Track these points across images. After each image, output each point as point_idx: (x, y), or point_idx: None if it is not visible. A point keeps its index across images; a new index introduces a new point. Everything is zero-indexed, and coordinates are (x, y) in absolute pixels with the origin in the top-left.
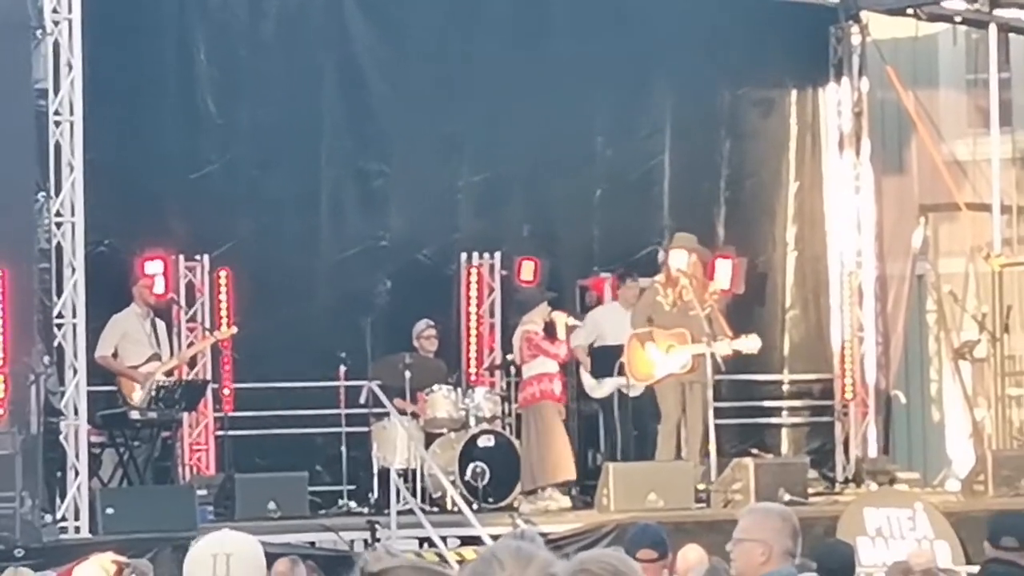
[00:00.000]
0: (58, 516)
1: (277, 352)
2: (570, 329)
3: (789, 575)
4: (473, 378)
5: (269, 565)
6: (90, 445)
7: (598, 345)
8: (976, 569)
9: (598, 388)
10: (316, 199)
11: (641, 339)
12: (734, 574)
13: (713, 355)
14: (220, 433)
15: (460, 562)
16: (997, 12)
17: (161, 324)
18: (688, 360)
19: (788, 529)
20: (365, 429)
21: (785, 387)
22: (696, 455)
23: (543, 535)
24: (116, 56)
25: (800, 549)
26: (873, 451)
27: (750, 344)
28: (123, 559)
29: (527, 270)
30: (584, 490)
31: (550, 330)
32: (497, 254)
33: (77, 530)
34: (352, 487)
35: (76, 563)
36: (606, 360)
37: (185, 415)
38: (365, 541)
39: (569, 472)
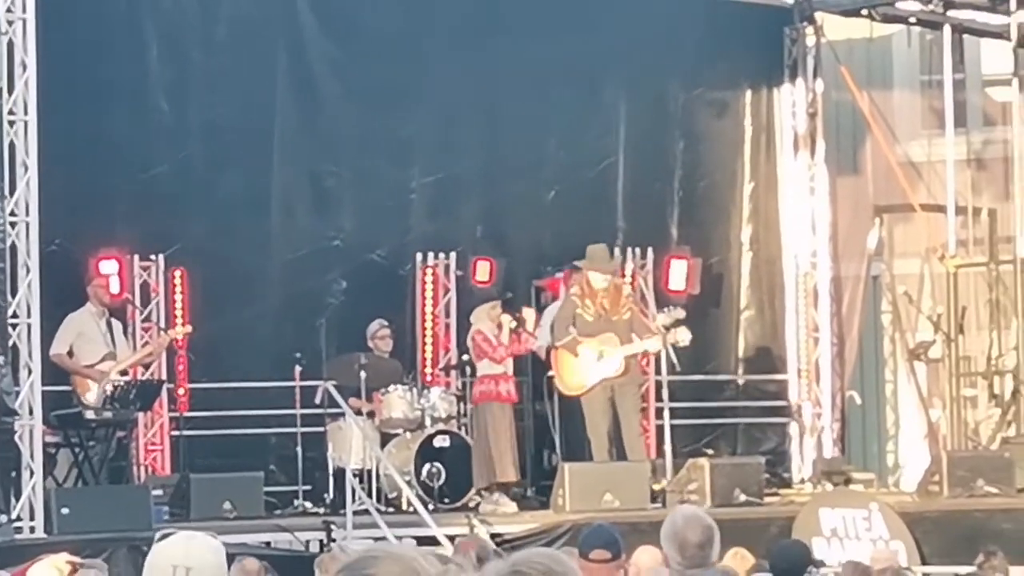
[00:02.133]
0: (13, 516)
1: (232, 352)
2: (515, 333)
3: None
4: (429, 378)
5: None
6: (45, 445)
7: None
8: (933, 570)
9: None
10: (268, 199)
11: (570, 348)
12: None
13: (668, 354)
14: (175, 433)
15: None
16: (951, 13)
17: (117, 324)
18: (621, 363)
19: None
20: (320, 429)
21: (740, 387)
22: (640, 455)
23: (498, 536)
24: (70, 56)
25: (715, 554)
26: (828, 451)
27: (680, 336)
28: (77, 560)
29: (482, 270)
30: (540, 490)
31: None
32: (452, 254)
33: (32, 530)
34: (308, 487)
35: (30, 564)
36: None
37: (140, 415)
38: (321, 541)
39: (509, 474)
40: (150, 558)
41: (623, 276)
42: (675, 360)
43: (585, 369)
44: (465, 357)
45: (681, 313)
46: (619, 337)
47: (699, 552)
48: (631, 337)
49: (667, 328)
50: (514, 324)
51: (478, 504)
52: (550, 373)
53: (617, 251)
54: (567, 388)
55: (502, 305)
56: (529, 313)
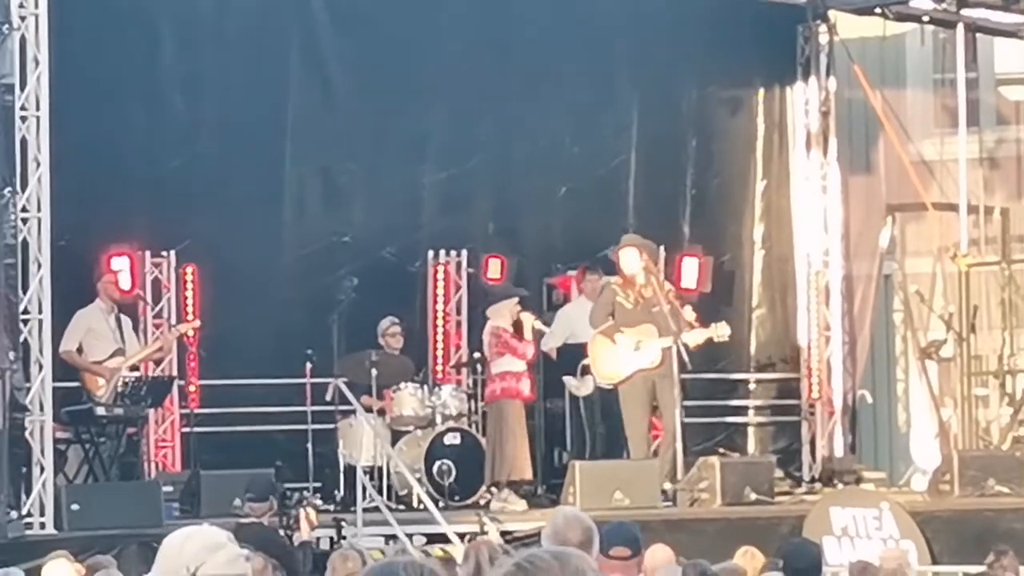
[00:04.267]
0: (23, 512)
1: (243, 348)
2: (537, 332)
3: None
4: (440, 376)
5: None
6: (55, 441)
7: (570, 342)
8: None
9: (582, 387)
10: (280, 196)
11: (608, 335)
12: None
13: (679, 352)
14: (186, 429)
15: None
16: (965, 12)
17: (126, 320)
18: (658, 355)
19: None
20: (331, 426)
21: (751, 386)
22: (668, 450)
23: (508, 533)
24: (82, 52)
25: (594, 553)
26: (839, 450)
27: (720, 331)
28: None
29: (494, 268)
30: (550, 488)
31: (517, 329)
32: (464, 251)
33: (42, 526)
34: (318, 484)
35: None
36: (573, 360)
37: (151, 411)
38: (331, 539)
39: (525, 472)
40: (165, 551)
41: (654, 258)
42: (686, 359)
43: (621, 358)
44: (476, 354)
45: (726, 330)
46: (659, 328)
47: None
48: (670, 329)
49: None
50: (538, 324)
51: (488, 502)
52: (585, 361)
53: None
54: (602, 377)
55: (520, 302)
56: (527, 317)
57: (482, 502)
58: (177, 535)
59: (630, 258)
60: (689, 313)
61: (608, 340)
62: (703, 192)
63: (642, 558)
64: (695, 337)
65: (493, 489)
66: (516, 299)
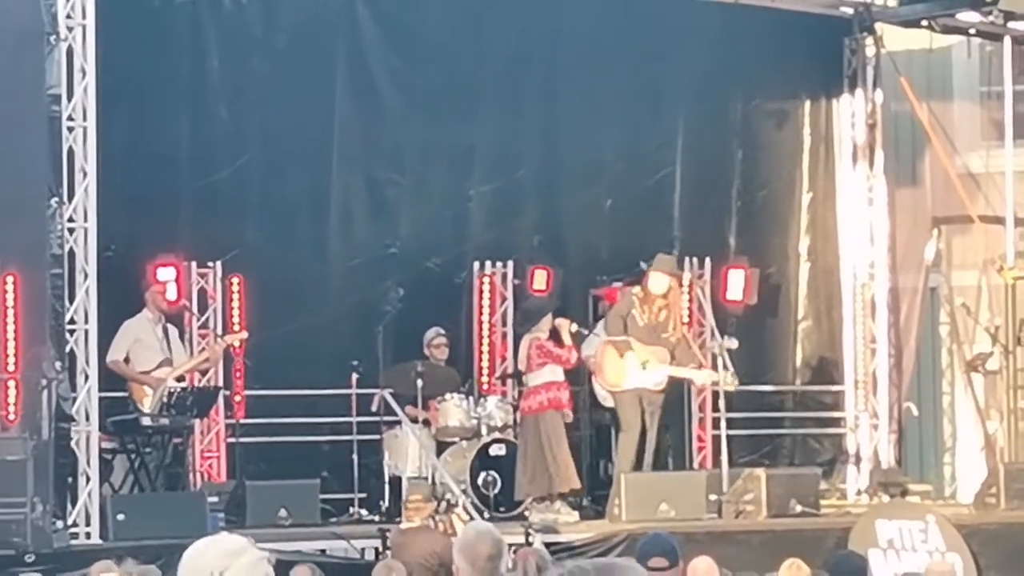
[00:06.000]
0: (69, 522)
1: (289, 359)
2: (575, 335)
3: None
4: (485, 387)
5: (284, 573)
6: (101, 451)
7: None
8: None
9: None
10: (326, 206)
11: (619, 348)
12: None
13: (715, 358)
14: (231, 440)
15: None
16: (1012, 24)
17: (173, 330)
18: (664, 380)
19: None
20: (377, 437)
21: (797, 398)
22: (650, 467)
23: (554, 544)
24: (129, 62)
25: (503, 566)
26: (885, 463)
27: (728, 380)
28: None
29: (539, 279)
30: (595, 500)
31: (555, 336)
32: (509, 263)
33: (88, 536)
34: (363, 495)
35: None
36: None
37: (197, 422)
38: (376, 549)
39: (576, 482)
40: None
41: (681, 287)
42: (732, 371)
43: (627, 372)
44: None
45: (734, 343)
46: (671, 356)
47: (488, 564)
48: (691, 359)
49: (716, 355)
50: (574, 328)
51: (530, 514)
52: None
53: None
54: (605, 382)
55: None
56: (563, 323)
57: (526, 513)
58: (199, 543)
59: (659, 283)
60: (726, 344)
61: (617, 354)
62: (749, 204)
63: (681, 569)
64: (700, 377)
65: (537, 501)
66: (549, 314)
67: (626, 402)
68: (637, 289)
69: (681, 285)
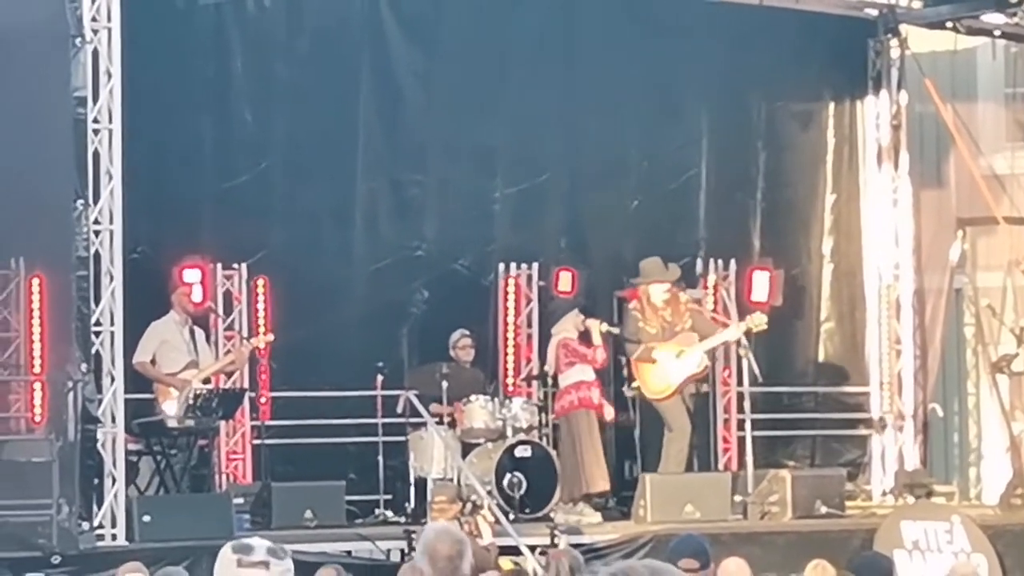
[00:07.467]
0: (95, 523)
1: (314, 361)
2: (605, 335)
3: None
4: (510, 388)
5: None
6: (127, 453)
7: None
8: None
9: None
10: (352, 209)
11: (646, 359)
12: None
13: (751, 365)
14: (257, 442)
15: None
16: None
17: (199, 332)
18: (703, 358)
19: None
20: (402, 438)
21: (820, 399)
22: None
23: (578, 546)
24: (154, 65)
25: (466, 566)
26: (910, 464)
27: (756, 320)
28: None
29: (565, 281)
30: (621, 501)
31: (585, 337)
32: (535, 265)
33: (114, 537)
34: (388, 496)
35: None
36: None
37: (222, 423)
38: (402, 551)
39: (604, 483)
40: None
41: (674, 284)
42: (757, 372)
43: (667, 371)
44: (547, 368)
45: (762, 319)
46: (699, 335)
47: (449, 564)
48: (710, 330)
49: (749, 330)
50: (605, 327)
51: (555, 515)
52: (635, 384)
53: (674, 263)
54: (652, 393)
55: (582, 311)
56: (593, 323)
57: (552, 515)
58: (227, 549)
59: (658, 292)
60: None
61: (649, 364)
62: (773, 205)
63: (712, 570)
64: (732, 333)
65: (563, 503)
66: (575, 310)
67: (672, 407)
68: (634, 304)
69: (673, 283)
